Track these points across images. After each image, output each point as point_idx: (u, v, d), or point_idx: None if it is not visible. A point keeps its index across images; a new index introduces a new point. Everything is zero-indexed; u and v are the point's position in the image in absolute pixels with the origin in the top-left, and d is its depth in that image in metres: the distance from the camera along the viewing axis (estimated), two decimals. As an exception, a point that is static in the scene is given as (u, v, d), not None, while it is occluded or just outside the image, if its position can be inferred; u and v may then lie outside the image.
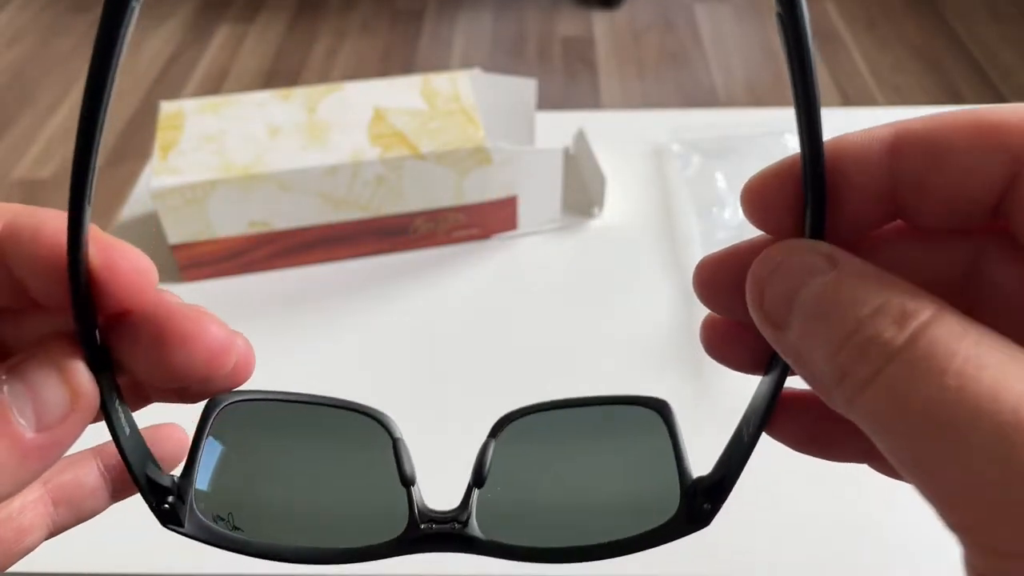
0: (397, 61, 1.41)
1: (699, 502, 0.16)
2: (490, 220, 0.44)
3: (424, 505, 0.16)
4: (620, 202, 0.46)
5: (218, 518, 0.16)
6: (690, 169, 0.47)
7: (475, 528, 0.16)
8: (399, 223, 0.43)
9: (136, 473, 0.15)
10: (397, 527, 0.16)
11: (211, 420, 0.16)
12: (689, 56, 1.39)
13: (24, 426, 0.13)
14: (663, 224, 0.45)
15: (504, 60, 1.40)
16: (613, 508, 0.17)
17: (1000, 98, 1.24)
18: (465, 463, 0.17)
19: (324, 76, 1.37)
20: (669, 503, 0.16)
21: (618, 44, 1.43)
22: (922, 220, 0.13)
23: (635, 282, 0.42)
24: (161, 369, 0.14)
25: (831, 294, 0.11)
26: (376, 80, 0.45)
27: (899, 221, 0.13)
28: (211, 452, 0.16)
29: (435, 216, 0.43)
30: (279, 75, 1.39)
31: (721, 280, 0.14)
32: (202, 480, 0.16)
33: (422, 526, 0.16)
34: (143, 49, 1.47)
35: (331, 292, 0.42)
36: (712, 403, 0.35)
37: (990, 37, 1.37)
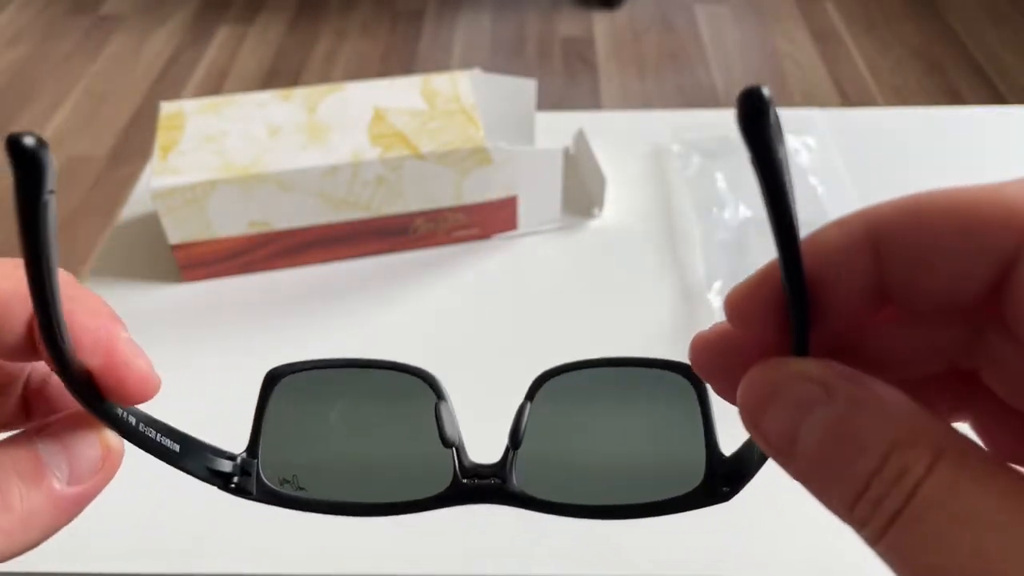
0: (397, 62, 1.41)
1: (719, 482, 0.17)
2: (490, 220, 0.44)
3: (467, 461, 0.18)
4: (620, 202, 0.46)
5: (284, 481, 0.18)
6: (690, 169, 0.47)
7: (513, 484, 0.18)
8: (399, 223, 0.43)
9: (197, 474, 0.17)
10: (443, 482, 0.18)
11: (270, 395, 0.18)
12: (689, 56, 1.39)
13: (59, 479, 0.14)
14: (663, 224, 0.45)
15: (504, 60, 1.40)
16: (640, 471, 0.18)
17: (1000, 98, 1.24)
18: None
19: (324, 77, 1.37)
20: (693, 475, 0.17)
21: (618, 44, 1.43)
22: (913, 309, 0.13)
23: (635, 282, 0.42)
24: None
25: (833, 440, 0.12)
26: (376, 80, 0.45)
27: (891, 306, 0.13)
28: (271, 423, 0.18)
29: (435, 216, 0.43)
30: (279, 75, 1.39)
31: (717, 366, 0.14)
32: (266, 449, 0.18)
33: (464, 481, 0.18)
34: (144, 50, 1.47)
35: (331, 292, 0.42)
36: (712, 402, 0.35)
37: (990, 38, 1.37)
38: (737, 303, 0.13)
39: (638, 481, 0.17)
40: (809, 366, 0.12)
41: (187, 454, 0.17)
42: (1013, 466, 0.11)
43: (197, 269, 0.42)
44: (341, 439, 0.19)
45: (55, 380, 0.16)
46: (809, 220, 0.50)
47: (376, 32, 1.50)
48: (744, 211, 0.44)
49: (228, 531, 0.32)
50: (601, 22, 1.48)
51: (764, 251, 0.42)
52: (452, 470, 0.18)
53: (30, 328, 0.14)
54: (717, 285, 0.40)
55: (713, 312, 0.39)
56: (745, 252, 0.42)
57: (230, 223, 0.41)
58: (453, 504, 0.18)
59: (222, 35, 1.50)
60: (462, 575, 0.31)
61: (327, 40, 1.48)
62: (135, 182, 0.50)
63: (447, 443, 0.18)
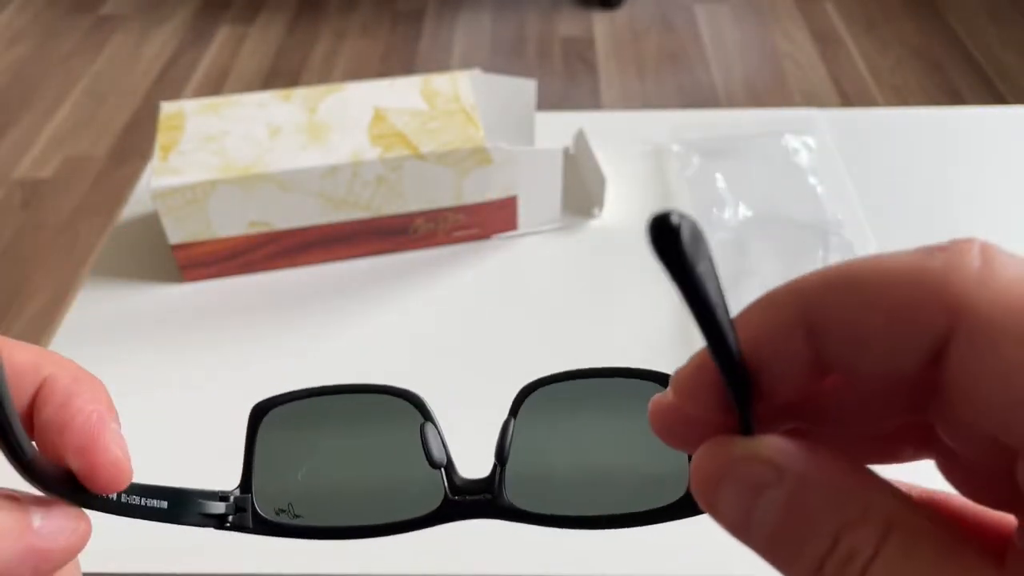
0: (397, 62, 1.41)
1: None
2: (490, 220, 0.44)
3: (457, 479, 0.18)
4: (620, 202, 0.46)
5: (280, 511, 0.18)
6: (690, 169, 0.47)
7: (503, 499, 0.18)
8: (399, 223, 0.43)
9: (191, 523, 0.17)
10: (434, 502, 0.18)
11: (258, 428, 0.18)
12: (689, 56, 1.39)
13: (37, 530, 0.14)
14: (663, 224, 0.45)
15: (504, 60, 1.40)
16: (626, 482, 0.18)
17: (1000, 98, 1.24)
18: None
19: (324, 77, 1.37)
20: (677, 485, 0.17)
21: (618, 44, 1.43)
22: (855, 378, 0.13)
23: (635, 282, 0.42)
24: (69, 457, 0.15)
25: (785, 522, 0.12)
26: (376, 80, 0.45)
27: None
28: (262, 456, 0.19)
29: (435, 216, 0.43)
30: (279, 76, 1.39)
31: (672, 433, 0.14)
32: (259, 482, 0.18)
33: (455, 499, 0.18)
34: (143, 50, 1.47)
35: (331, 292, 0.42)
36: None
37: (990, 38, 1.37)
38: (681, 385, 0.13)
39: (624, 492, 0.18)
40: (756, 446, 0.12)
41: (177, 508, 0.17)
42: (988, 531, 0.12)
43: (197, 269, 0.42)
44: (332, 465, 0.19)
45: (75, 411, 0.16)
46: (809, 220, 0.50)
47: (376, 32, 1.50)
48: (744, 211, 0.44)
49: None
50: (601, 22, 1.48)
51: (763, 251, 0.42)
52: (442, 489, 0.18)
53: (31, 406, 0.15)
54: (717, 285, 0.40)
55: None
56: (745, 252, 0.42)
57: (230, 223, 0.41)
58: (445, 522, 0.18)
59: (222, 35, 1.50)
60: (461, 575, 0.31)
61: (327, 40, 1.48)
62: (135, 182, 0.50)
63: (434, 464, 0.18)
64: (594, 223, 0.45)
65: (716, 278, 0.11)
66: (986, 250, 0.11)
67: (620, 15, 1.50)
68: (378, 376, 0.40)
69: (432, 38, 1.47)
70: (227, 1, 1.59)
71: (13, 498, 0.14)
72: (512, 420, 0.18)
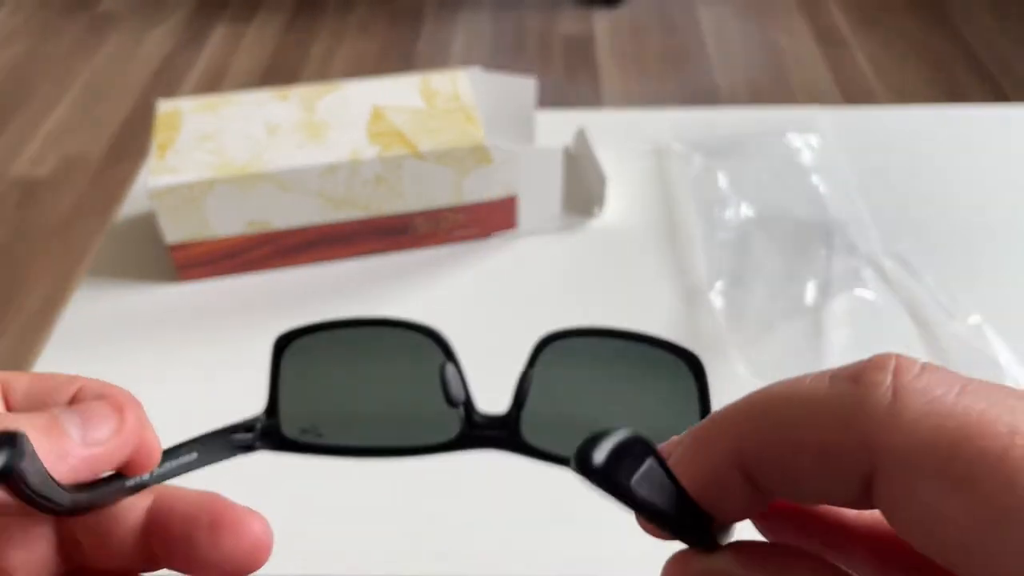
0: (396, 60, 1.41)
1: None
2: (490, 220, 0.43)
3: (476, 414, 0.19)
4: (621, 202, 0.46)
5: (304, 431, 0.19)
6: (691, 169, 0.47)
7: (518, 435, 0.19)
8: (398, 223, 0.42)
9: (224, 458, 0.18)
10: (452, 431, 0.19)
11: (282, 357, 0.19)
12: (690, 55, 1.39)
13: (70, 434, 0.14)
14: (664, 224, 0.45)
15: (504, 59, 1.39)
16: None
17: (1003, 97, 1.24)
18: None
19: (322, 75, 1.37)
20: None
21: (619, 43, 1.42)
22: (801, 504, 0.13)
23: (636, 282, 0.42)
24: (210, 552, 0.15)
25: None
26: (375, 79, 0.45)
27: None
28: (286, 382, 0.19)
29: (435, 216, 0.43)
30: (277, 74, 1.38)
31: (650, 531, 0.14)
32: (284, 405, 0.19)
33: (473, 430, 0.19)
34: (140, 48, 1.46)
35: (329, 292, 0.42)
36: (711, 392, 0.35)
37: (994, 36, 1.37)
38: (646, 527, 0.14)
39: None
40: (716, 562, 0.13)
41: (207, 454, 0.18)
42: None
43: (194, 268, 0.42)
44: (354, 392, 0.20)
45: (107, 398, 0.16)
46: (812, 219, 0.49)
47: (374, 30, 1.49)
48: (746, 210, 0.43)
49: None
50: (602, 20, 1.48)
51: (766, 251, 0.42)
52: (460, 421, 0.19)
53: (145, 532, 0.15)
54: (718, 285, 0.40)
55: (714, 312, 0.39)
56: (747, 251, 0.41)
57: (228, 222, 0.40)
58: (462, 449, 0.19)
59: (219, 34, 1.49)
60: (461, 575, 0.30)
61: (325, 38, 1.47)
62: (132, 181, 0.50)
63: (452, 403, 0.19)
64: (594, 223, 0.45)
65: (655, 462, 0.12)
66: (897, 378, 0.11)
67: (621, 13, 1.50)
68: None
69: (431, 36, 1.47)
70: (224, 0, 1.59)
71: (48, 420, 0.14)
72: (530, 369, 0.19)
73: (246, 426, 0.19)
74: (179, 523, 0.15)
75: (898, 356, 0.12)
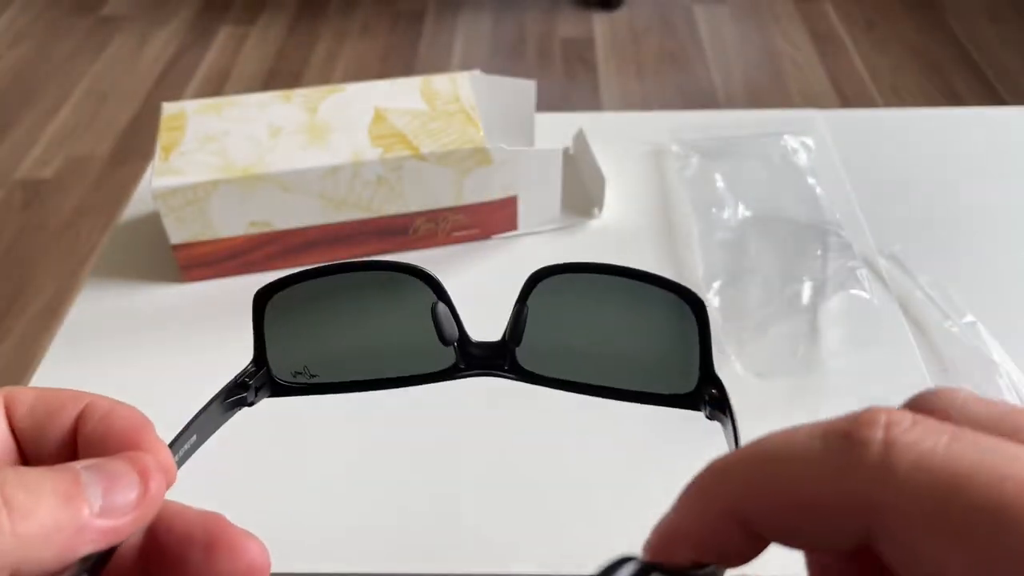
0: (397, 62, 1.42)
1: (706, 395, 0.18)
2: (490, 220, 0.44)
3: (471, 346, 0.19)
4: (620, 203, 0.46)
5: (297, 373, 0.20)
6: (689, 170, 0.47)
7: (514, 360, 0.19)
8: (399, 223, 0.43)
9: (224, 421, 0.18)
10: (448, 360, 0.19)
11: (265, 309, 0.19)
12: (688, 57, 1.39)
13: (91, 509, 0.14)
14: (662, 225, 0.45)
15: (504, 61, 1.40)
16: (637, 366, 0.19)
17: (998, 99, 1.24)
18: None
19: (325, 77, 1.37)
20: (685, 381, 0.18)
21: (617, 45, 1.43)
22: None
23: (634, 282, 0.42)
24: (204, 573, 0.15)
25: None
26: (377, 81, 0.45)
27: None
28: (272, 333, 0.19)
29: (435, 216, 0.43)
30: (280, 76, 1.39)
31: None
32: (272, 354, 0.19)
33: (468, 356, 0.19)
34: (145, 51, 1.47)
35: (332, 292, 0.42)
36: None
37: (989, 38, 1.38)
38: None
39: (633, 373, 0.19)
40: None
41: (204, 427, 0.18)
42: None
43: (198, 269, 0.42)
44: (343, 333, 0.20)
45: (116, 417, 0.16)
46: (808, 220, 0.50)
47: (376, 33, 1.50)
48: (743, 211, 0.44)
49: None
50: (601, 23, 1.49)
51: (763, 251, 0.42)
52: (456, 351, 0.19)
53: (143, 551, 0.15)
54: (716, 285, 0.40)
55: (712, 312, 0.40)
56: (744, 252, 0.42)
57: (231, 223, 0.41)
58: (458, 377, 0.19)
59: (223, 36, 1.50)
60: (461, 574, 0.31)
61: (327, 41, 1.48)
62: (136, 182, 0.50)
63: (446, 341, 0.19)
64: (594, 223, 0.45)
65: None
66: (888, 433, 0.11)
67: (620, 16, 1.50)
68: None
69: (432, 39, 1.48)
70: (228, 2, 1.59)
71: (70, 485, 0.14)
72: (523, 303, 0.19)
73: (238, 384, 0.19)
74: (176, 543, 0.15)
75: (888, 411, 0.12)
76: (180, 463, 0.17)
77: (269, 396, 0.19)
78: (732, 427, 0.17)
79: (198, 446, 0.17)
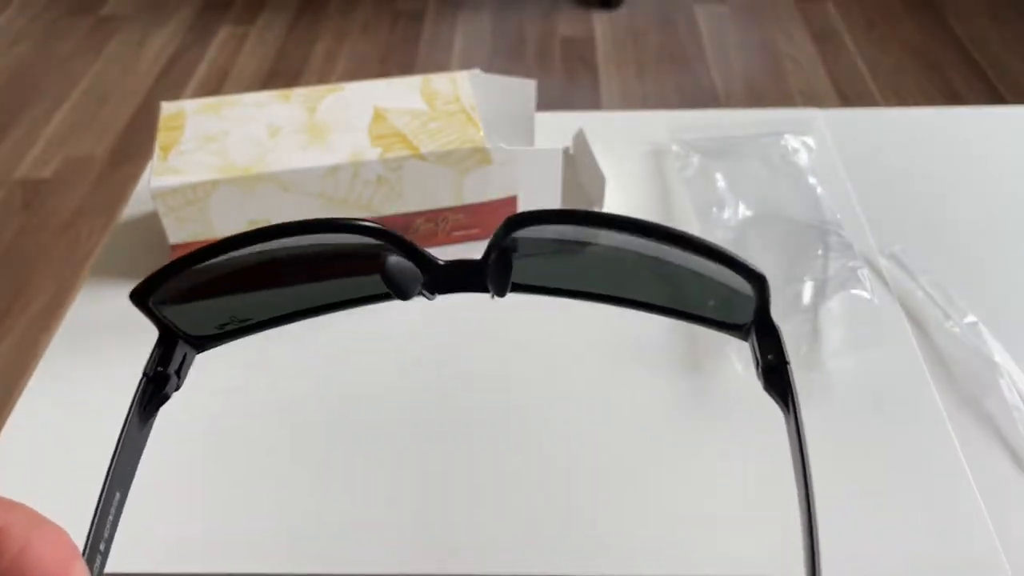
0: (397, 62, 1.42)
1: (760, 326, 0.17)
2: (490, 220, 0.44)
3: (436, 266, 0.15)
4: (619, 202, 0.46)
5: (222, 325, 0.17)
6: (690, 169, 0.47)
7: (497, 270, 0.16)
8: (399, 223, 0.43)
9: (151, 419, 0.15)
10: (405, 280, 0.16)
11: (160, 313, 0.17)
12: (688, 56, 1.39)
13: None
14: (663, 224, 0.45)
15: (504, 61, 1.40)
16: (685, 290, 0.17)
17: (999, 99, 1.24)
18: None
19: (324, 77, 1.37)
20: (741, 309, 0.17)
21: (618, 44, 1.43)
22: None
23: (635, 282, 0.42)
24: None
25: None
26: (376, 80, 0.45)
27: None
28: (179, 313, 0.17)
29: (435, 216, 0.43)
30: (279, 76, 1.39)
31: None
32: (184, 325, 0.16)
33: (426, 284, 0.15)
34: (144, 50, 1.47)
35: (331, 292, 0.42)
36: (710, 401, 0.35)
37: (990, 38, 1.37)
38: None
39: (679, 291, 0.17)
40: None
41: (125, 469, 0.15)
42: None
43: (197, 269, 0.42)
44: (272, 280, 0.17)
45: (32, 558, 0.13)
46: (809, 220, 0.49)
47: (376, 32, 1.50)
48: (744, 210, 0.44)
49: (227, 530, 0.32)
50: (601, 22, 1.49)
51: (763, 251, 0.42)
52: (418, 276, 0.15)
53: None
54: (717, 285, 0.40)
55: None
56: (745, 252, 0.42)
57: (231, 223, 0.41)
58: (422, 294, 0.15)
59: (222, 35, 1.50)
60: (461, 574, 0.31)
61: (327, 40, 1.48)
62: (136, 182, 0.50)
63: (405, 296, 0.16)
64: (594, 223, 0.45)
65: None
66: None
67: (620, 15, 1.50)
68: (378, 376, 0.40)
69: (432, 38, 1.47)
70: (227, 1, 1.59)
71: None
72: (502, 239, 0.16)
73: (147, 376, 0.16)
74: None
75: None
76: (110, 538, 0.14)
77: (197, 353, 0.17)
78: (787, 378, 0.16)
79: (126, 497, 0.15)
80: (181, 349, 0.17)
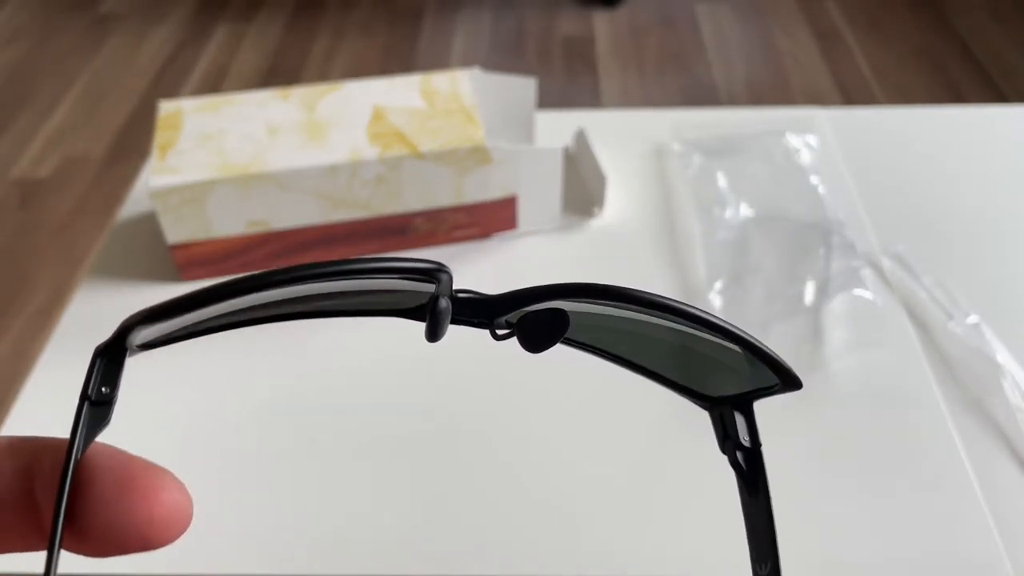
0: (396, 60, 1.41)
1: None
2: (490, 220, 0.44)
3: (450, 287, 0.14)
4: (620, 202, 0.46)
5: (179, 329, 0.14)
6: (691, 168, 0.47)
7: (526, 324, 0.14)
8: (399, 223, 0.43)
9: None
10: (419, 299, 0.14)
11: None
12: (689, 55, 1.39)
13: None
14: (664, 224, 0.45)
15: (504, 59, 1.39)
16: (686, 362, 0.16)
17: (1002, 98, 1.24)
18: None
19: (323, 75, 1.37)
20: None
21: (618, 43, 1.42)
22: None
23: (635, 282, 0.42)
24: (117, 516, 0.12)
25: None
26: (375, 79, 0.45)
27: None
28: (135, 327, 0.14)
29: (435, 216, 0.43)
30: (278, 74, 1.38)
31: None
32: (141, 336, 0.14)
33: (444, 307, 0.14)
34: (142, 48, 1.47)
35: (330, 292, 0.42)
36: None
37: (992, 37, 1.37)
38: None
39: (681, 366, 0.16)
40: None
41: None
42: None
43: (195, 269, 0.42)
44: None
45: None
46: (811, 219, 0.49)
47: (375, 31, 1.49)
48: (745, 210, 0.44)
49: (226, 530, 0.32)
50: (601, 21, 1.48)
51: (765, 251, 0.42)
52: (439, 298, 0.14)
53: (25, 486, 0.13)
54: (718, 285, 0.40)
55: (714, 312, 0.39)
56: (746, 251, 0.42)
57: (228, 223, 0.41)
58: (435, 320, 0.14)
59: (221, 34, 1.50)
60: (462, 575, 0.31)
61: (326, 39, 1.47)
62: (133, 182, 0.50)
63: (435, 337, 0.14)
64: (594, 223, 0.45)
65: None
66: None
67: (620, 14, 1.50)
68: (378, 377, 0.40)
69: (432, 36, 1.47)
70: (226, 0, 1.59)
71: None
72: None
73: (96, 400, 0.13)
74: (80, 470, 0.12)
75: None
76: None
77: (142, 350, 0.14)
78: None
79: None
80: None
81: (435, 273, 0.14)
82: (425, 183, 0.41)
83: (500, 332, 0.15)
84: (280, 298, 0.13)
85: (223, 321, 0.14)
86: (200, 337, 0.14)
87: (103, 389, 0.14)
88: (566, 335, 0.15)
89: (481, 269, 0.43)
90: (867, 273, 0.40)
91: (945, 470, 0.33)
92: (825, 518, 0.32)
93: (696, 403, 0.16)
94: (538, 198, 0.44)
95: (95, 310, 0.41)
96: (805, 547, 0.31)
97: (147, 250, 0.44)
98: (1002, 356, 0.37)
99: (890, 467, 0.33)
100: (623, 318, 0.16)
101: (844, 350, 0.37)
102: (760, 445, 0.16)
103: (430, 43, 1.45)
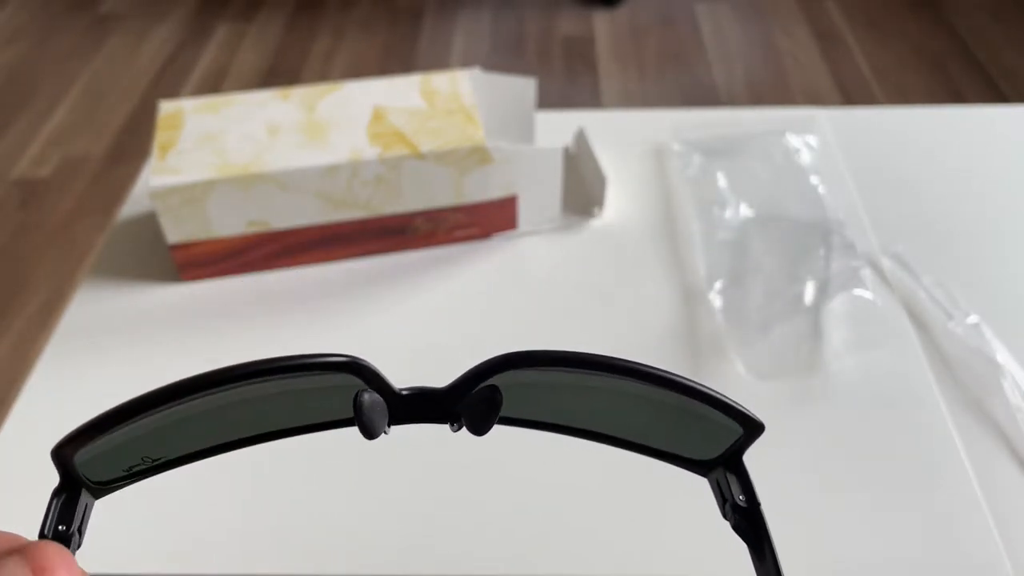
0: (396, 60, 1.41)
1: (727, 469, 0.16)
2: (490, 220, 0.44)
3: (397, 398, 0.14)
4: (620, 202, 0.46)
5: (132, 467, 0.15)
6: (691, 168, 0.47)
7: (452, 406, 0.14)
8: (399, 223, 0.43)
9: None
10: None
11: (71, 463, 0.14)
12: (690, 55, 1.39)
13: None
14: (664, 224, 0.45)
15: (504, 59, 1.39)
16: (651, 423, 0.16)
17: (1001, 97, 1.24)
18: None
19: (323, 75, 1.37)
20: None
21: (618, 43, 1.42)
22: None
23: (635, 282, 0.42)
24: None
25: None
26: (375, 79, 0.45)
27: None
28: (85, 457, 0.14)
29: (435, 216, 0.43)
30: (278, 74, 1.38)
31: None
32: (95, 471, 0.15)
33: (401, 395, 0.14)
34: (142, 48, 1.47)
35: (330, 292, 0.42)
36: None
37: (992, 36, 1.37)
38: None
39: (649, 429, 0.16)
40: None
41: None
42: None
43: (195, 269, 0.42)
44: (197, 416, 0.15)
45: None
46: (811, 220, 0.49)
47: (375, 30, 1.49)
48: (745, 210, 0.44)
49: (225, 531, 0.32)
50: (601, 21, 1.48)
51: (765, 251, 0.42)
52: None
53: None
54: (718, 285, 0.40)
55: (714, 312, 0.39)
56: (746, 251, 0.42)
57: (228, 223, 0.41)
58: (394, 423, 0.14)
59: (221, 34, 1.50)
60: (461, 575, 0.31)
61: (326, 39, 1.47)
62: (133, 182, 0.50)
63: (372, 436, 0.14)
64: (594, 223, 0.45)
65: None
66: None
67: (620, 14, 1.50)
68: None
69: (432, 36, 1.47)
70: (226, -1, 1.59)
71: None
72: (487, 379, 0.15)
73: (53, 538, 0.14)
74: None
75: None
76: None
77: (95, 500, 0.15)
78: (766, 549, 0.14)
79: None
80: (83, 499, 0.15)
81: (350, 366, 0.14)
82: (425, 183, 0.41)
83: (455, 426, 0.16)
84: (214, 406, 0.14)
85: (177, 460, 0.15)
86: (159, 473, 0.14)
87: (59, 527, 0.14)
88: (504, 414, 0.15)
89: (481, 269, 0.43)
90: (867, 273, 0.40)
91: (945, 470, 0.33)
92: (825, 518, 0.32)
93: (693, 471, 0.16)
94: (538, 198, 0.44)
95: (95, 310, 0.41)
96: (805, 547, 0.31)
97: (147, 250, 0.44)
98: (1002, 356, 0.37)
99: (890, 467, 0.33)
100: (580, 387, 0.16)
101: (844, 350, 0.37)
102: (759, 504, 0.15)
103: (430, 43, 1.45)
